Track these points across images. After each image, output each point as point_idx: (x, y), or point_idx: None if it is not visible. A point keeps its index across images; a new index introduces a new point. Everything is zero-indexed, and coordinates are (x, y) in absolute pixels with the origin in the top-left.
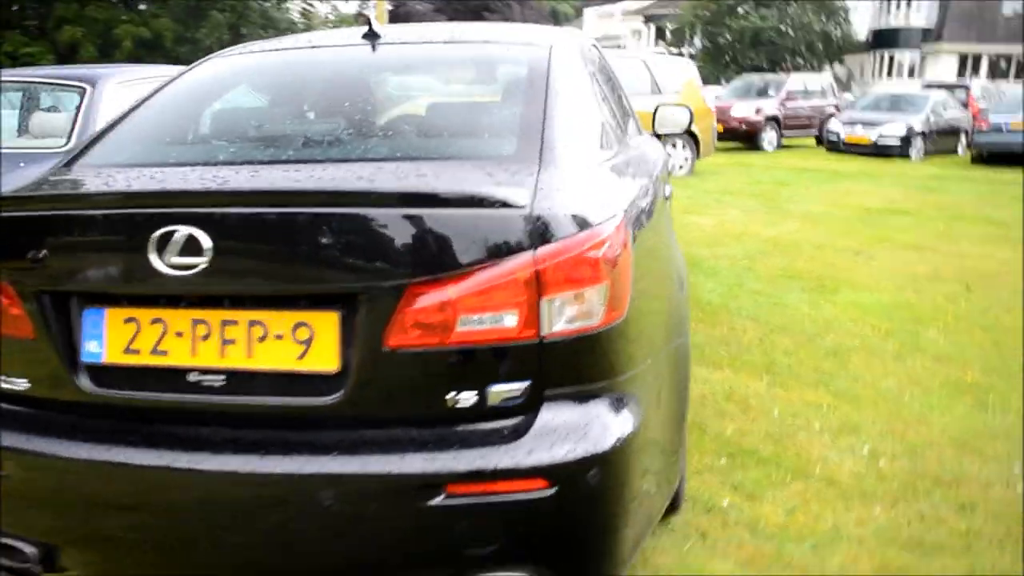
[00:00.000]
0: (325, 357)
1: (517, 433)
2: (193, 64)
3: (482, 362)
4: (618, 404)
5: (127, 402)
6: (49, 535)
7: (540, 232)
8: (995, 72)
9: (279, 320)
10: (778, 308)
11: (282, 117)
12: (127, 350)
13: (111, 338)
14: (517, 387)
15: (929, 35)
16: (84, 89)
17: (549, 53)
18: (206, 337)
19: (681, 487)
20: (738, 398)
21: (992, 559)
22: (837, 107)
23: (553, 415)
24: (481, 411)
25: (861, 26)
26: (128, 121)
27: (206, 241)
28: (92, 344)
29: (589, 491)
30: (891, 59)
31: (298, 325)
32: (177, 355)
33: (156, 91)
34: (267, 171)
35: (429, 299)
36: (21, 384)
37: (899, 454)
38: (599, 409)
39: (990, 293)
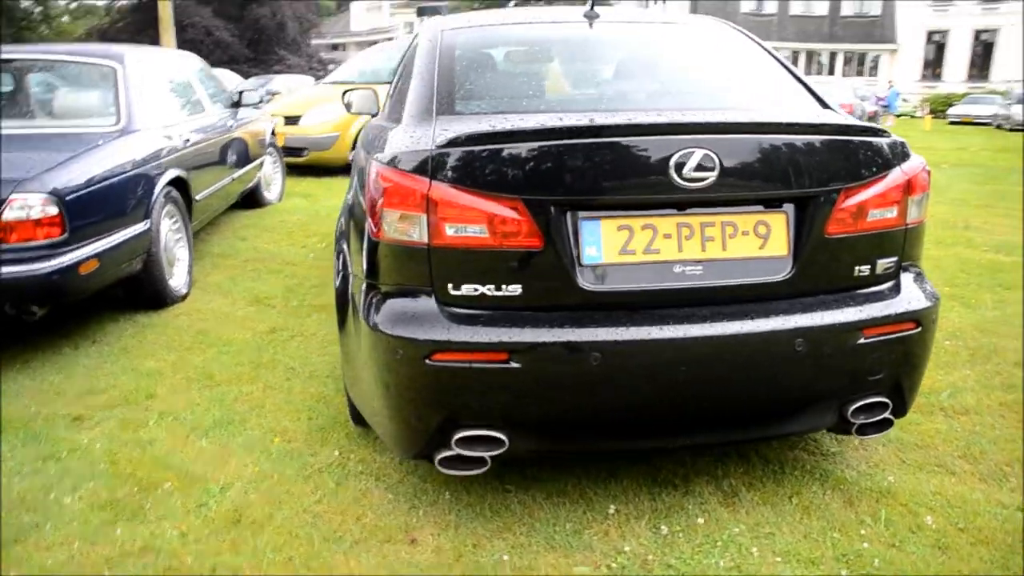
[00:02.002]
0: (779, 245)
1: (894, 292)
2: (436, 34)
3: (876, 243)
4: (922, 276)
5: (621, 295)
6: (529, 419)
7: (898, 153)
8: None
9: (745, 220)
10: None
11: (611, 76)
12: (623, 251)
13: (607, 243)
14: (891, 260)
15: None
16: (114, 68)
17: (733, 28)
18: (689, 237)
19: None
20: None
21: None
22: None
23: (907, 280)
24: (873, 278)
25: None
26: (446, 82)
27: (716, 161)
28: (591, 249)
29: (930, 330)
30: None
31: (759, 223)
32: (667, 252)
33: (433, 60)
34: (745, 112)
35: (855, 199)
36: (515, 290)
37: None
38: (920, 277)
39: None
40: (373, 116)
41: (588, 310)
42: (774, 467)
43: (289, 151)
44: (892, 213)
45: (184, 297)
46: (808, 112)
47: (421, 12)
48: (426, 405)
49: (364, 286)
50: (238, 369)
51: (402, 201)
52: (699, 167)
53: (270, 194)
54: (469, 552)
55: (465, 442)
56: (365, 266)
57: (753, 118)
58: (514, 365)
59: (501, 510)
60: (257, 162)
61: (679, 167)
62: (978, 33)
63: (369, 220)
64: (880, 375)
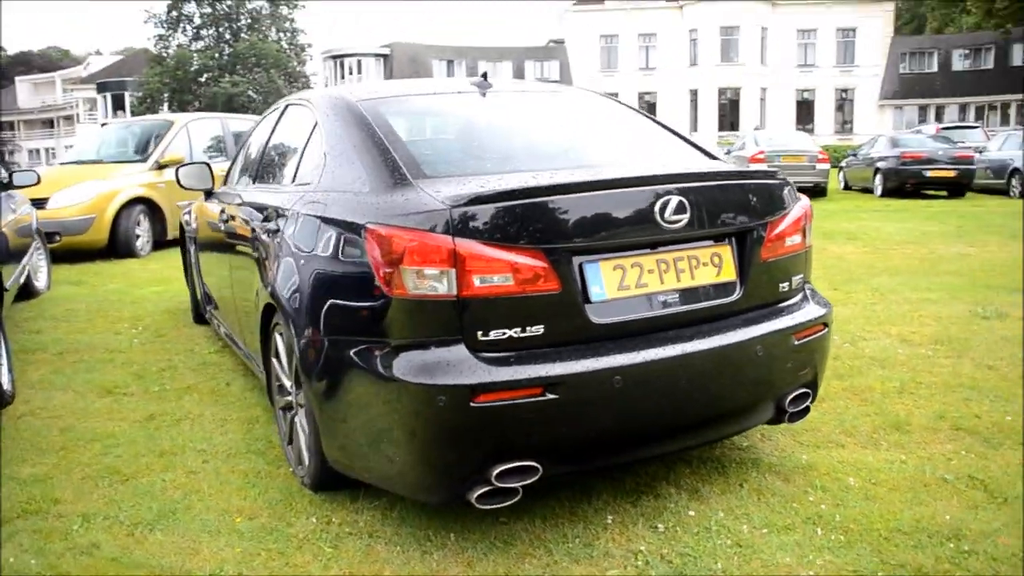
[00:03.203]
0: (728, 272)
1: (805, 302)
2: (351, 104)
3: (792, 263)
4: (814, 289)
5: (623, 324)
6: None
7: (792, 190)
8: None
9: (703, 253)
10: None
11: (544, 137)
12: (620, 287)
13: (607, 281)
14: (800, 277)
15: None
16: None
17: (601, 95)
18: (667, 271)
19: None
20: None
21: None
22: None
23: (808, 293)
24: (790, 292)
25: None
26: (402, 149)
27: (687, 204)
28: (596, 288)
29: (829, 332)
30: None
31: (713, 255)
32: (652, 285)
33: (370, 129)
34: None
35: (778, 229)
36: (538, 330)
37: None
38: (813, 290)
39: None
40: (207, 192)
41: (599, 341)
42: (714, 464)
43: None
44: (799, 239)
45: (12, 398)
46: (716, 162)
47: (102, 88)
48: (468, 446)
49: (361, 345)
50: (143, 460)
51: (426, 258)
52: (676, 210)
53: (39, 283)
54: None
55: (502, 475)
56: (366, 325)
57: (708, 168)
58: (549, 397)
59: (510, 539)
60: (32, 247)
61: (662, 212)
62: (642, 95)
63: (378, 280)
64: (806, 369)
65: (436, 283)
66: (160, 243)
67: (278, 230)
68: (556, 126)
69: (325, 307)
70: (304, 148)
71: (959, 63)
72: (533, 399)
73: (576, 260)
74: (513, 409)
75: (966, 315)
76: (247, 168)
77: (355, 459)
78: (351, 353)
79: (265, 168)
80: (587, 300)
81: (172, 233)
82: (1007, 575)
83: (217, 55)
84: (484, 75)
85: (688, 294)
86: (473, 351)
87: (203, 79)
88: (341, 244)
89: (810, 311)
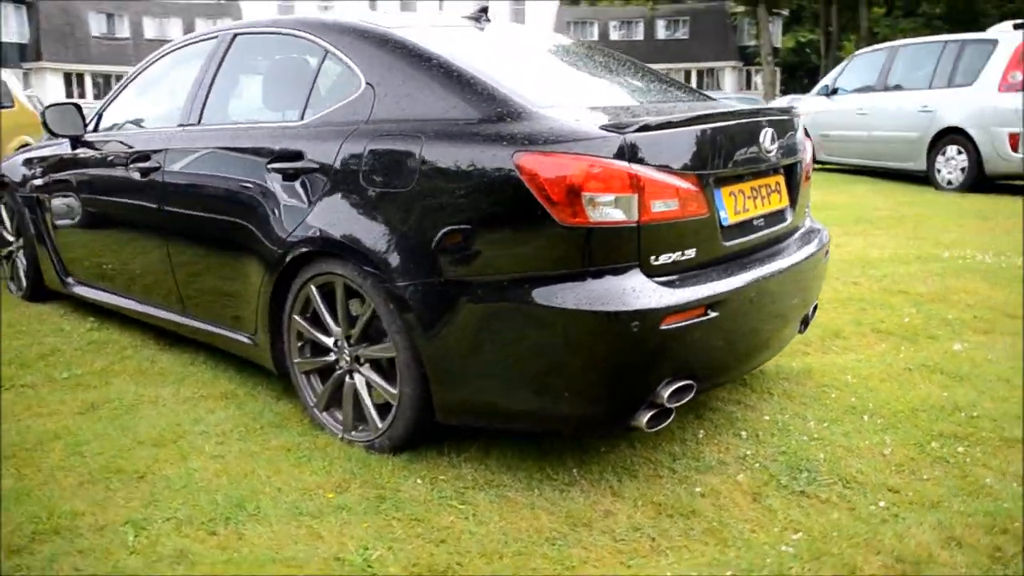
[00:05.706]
0: (784, 199)
1: (815, 225)
2: (394, 34)
3: (808, 192)
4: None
5: (739, 245)
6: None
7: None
8: (99, 89)
9: (772, 181)
10: None
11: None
12: (735, 212)
13: (728, 207)
14: (808, 204)
15: (27, 52)
16: None
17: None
18: (754, 197)
19: None
20: None
21: None
22: None
23: (811, 218)
24: (806, 217)
25: None
26: (488, 78)
27: (776, 136)
28: (723, 212)
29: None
30: None
31: (776, 183)
32: (751, 210)
33: (440, 59)
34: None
35: (806, 160)
36: (691, 253)
37: None
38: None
39: None
40: (77, 138)
41: (727, 261)
42: (735, 384)
43: None
44: (810, 170)
45: None
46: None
47: None
48: (651, 369)
49: (509, 281)
50: (139, 453)
51: (609, 185)
52: (771, 140)
53: None
54: (657, 498)
55: (671, 396)
56: (517, 258)
57: (776, 105)
58: (711, 315)
59: (629, 466)
60: None
61: (764, 142)
62: None
63: (546, 209)
64: (822, 283)
65: (617, 210)
66: None
67: (316, 169)
68: (578, 62)
69: (444, 245)
70: (314, 80)
71: (615, 33)
72: (701, 319)
73: (711, 186)
74: (689, 329)
75: None
76: (178, 108)
77: (491, 403)
78: (496, 291)
79: (220, 107)
80: (720, 224)
81: None
82: (1009, 432)
83: None
84: (484, 9)
85: (768, 218)
86: (648, 275)
87: None
88: (463, 175)
89: (825, 233)
